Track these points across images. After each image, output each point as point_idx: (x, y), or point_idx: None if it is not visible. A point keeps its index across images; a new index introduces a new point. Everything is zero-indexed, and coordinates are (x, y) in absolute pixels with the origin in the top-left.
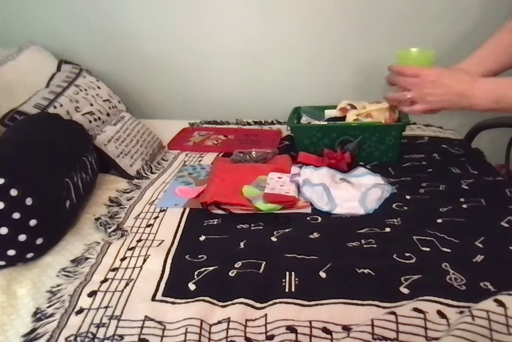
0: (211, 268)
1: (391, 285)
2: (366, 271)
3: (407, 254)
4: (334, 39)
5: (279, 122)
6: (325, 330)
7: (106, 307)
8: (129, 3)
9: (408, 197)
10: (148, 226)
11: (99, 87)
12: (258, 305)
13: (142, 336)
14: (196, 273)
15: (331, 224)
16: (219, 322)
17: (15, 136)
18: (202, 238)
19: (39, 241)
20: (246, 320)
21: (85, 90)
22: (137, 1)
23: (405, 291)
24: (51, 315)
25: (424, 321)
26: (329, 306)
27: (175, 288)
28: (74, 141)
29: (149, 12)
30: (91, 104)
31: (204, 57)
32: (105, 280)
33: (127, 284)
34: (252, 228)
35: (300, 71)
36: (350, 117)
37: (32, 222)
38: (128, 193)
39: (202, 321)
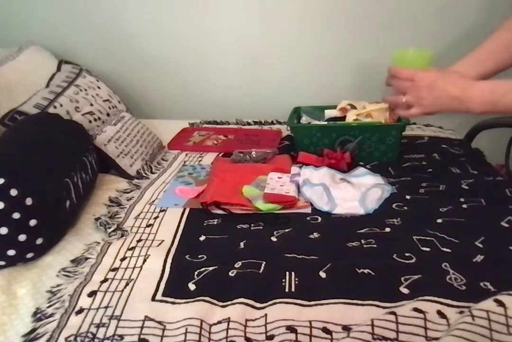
0: (211, 268)
1: (391, 285)
2: (366, 271)
3: (407, 254)
4: (334, 39)
5: (279, 122)
6: (325, 330)
7: (106, 307)
8: (129, 3)
9: (408, 197)
10: (148, 226)
11: (99, 87)
12: (258, 305)
13: (142, 336)
14: (196, 273)
15: (331, 224)
16: (219, 322)
17: (15, 136)
18: (202, 238)
19: (39, 241)
20: (246, 320)
21: (85, 90)
22: (137, 1)
23: (405, 291)
24: (51, 315)
25: (424, 321)
26: (329, 306)
27: (175, 288)
28: (74, 141)
29: (149, 12)
30: (91, 104)
31: (204, 57)
32: (105, 280)
33: (127, 284)
34: (252, 228)
35: (300, 71)
36: (350, 117)
37: (32, 222)
38: (128, 193)
39: (202, 321)
